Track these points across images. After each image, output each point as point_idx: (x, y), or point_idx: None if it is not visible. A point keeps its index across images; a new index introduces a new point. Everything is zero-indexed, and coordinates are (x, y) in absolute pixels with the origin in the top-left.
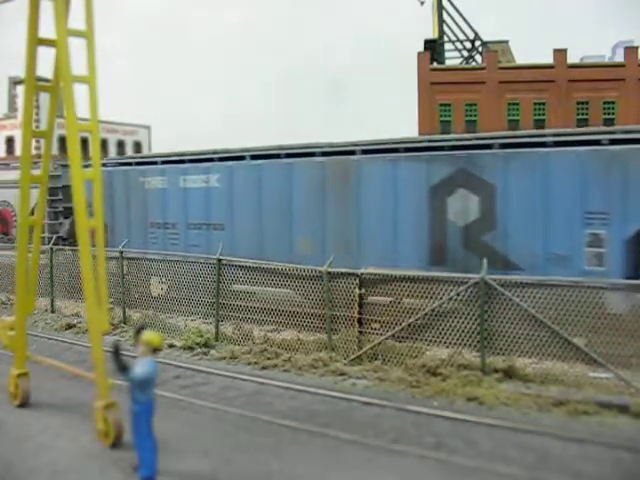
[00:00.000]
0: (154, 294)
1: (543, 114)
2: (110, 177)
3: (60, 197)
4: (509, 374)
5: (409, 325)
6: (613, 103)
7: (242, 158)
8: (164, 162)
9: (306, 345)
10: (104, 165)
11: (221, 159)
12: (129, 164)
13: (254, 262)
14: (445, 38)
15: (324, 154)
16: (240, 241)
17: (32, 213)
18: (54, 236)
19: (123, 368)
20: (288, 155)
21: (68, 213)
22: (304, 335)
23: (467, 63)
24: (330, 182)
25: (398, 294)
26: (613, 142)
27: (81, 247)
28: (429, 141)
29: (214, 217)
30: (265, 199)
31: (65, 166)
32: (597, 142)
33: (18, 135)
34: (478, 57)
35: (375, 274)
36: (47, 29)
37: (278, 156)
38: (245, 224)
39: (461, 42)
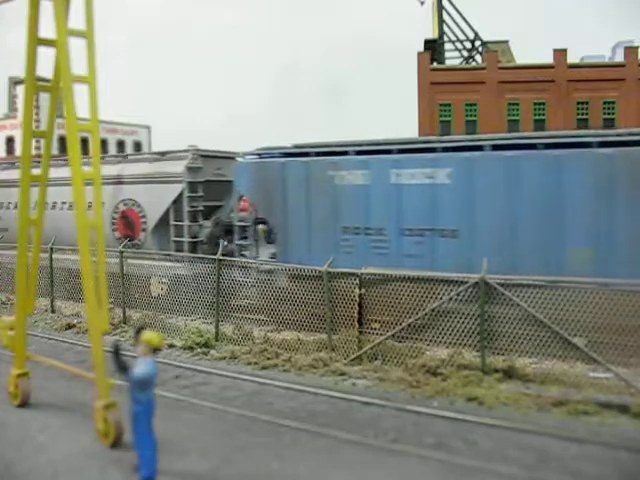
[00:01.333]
0: (154, 294)
1: (543, 114)
2: (283, 170)
3: (201, 194)
4: (509, 374)
5: (409, 325)
6: (613, 103)
7: (479, 148)
8: (360, 152)
9: (306, 345)
10: (270, 155)
11: (448, 149)
12: (305, 154)
13: (254, 262)
14: (445, 38)
15: (606, 144)
16: (480, 252)
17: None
18: (194, 240)
19: (123, 368)
20: (549, 146)
21: (209, 213)
22: (304, 335)
23: (467, 63)
24: (621, 179)
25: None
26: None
27: (81, 247)
28: None
29: (442, 221)
30: (521, 200)
31: (208, 157)
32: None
33: (18, 135)
34: (478, 57)
35: (375, 274)
36: (47, 29)
37: (534, 146)
38: (489, 231)
39: (461, 42)
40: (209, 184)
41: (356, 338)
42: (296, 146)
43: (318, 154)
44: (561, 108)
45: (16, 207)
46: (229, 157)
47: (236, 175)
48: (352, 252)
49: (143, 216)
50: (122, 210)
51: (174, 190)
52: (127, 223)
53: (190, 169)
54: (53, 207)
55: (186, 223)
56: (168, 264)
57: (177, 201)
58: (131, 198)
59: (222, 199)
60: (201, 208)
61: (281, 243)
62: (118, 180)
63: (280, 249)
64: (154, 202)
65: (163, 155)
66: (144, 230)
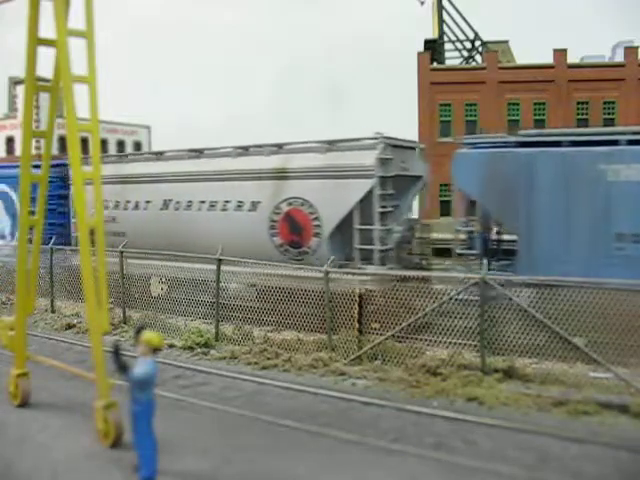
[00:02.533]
0: (154, 294)
1: (543, 114)
2: (530, 163)
3: (391, 192)
4: (509, 374)
5: (409, 325)
6: (613, 103)
7: None
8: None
9: (306, 345)
10: (504, 145)
11: None
12: (556, 143)
13: (254, 262)
14: (445, 38)
15: None
16: None
17: None
18: (386, 249)
19: (123, 368)
20: None
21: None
22: (304, 335)
23: (467, 63)
24: None
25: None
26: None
27: (81, 247)
28: None
29: None
30: None
31: (395, 147)
32: None
33: (18, 135)
34: (478, 57)
35: (375, 274)
36: (47, 29)
37: None
38: None
39: (461, 42)
40: (393, 180)
41: (356, 338)
42: (525, 135)
43: (576, 144)
44: (561, 108)
45: (136, 207)
46: (412, 147)
47: (458, 170)
48: (631, 264)
49: (316, 218)
50: (286, 211)
51: (362, 186)
52: (293, 227)
53: (382, 161)
54: (188, 207)
55: (377, 227)
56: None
57: (364, 200)
58: (299, 196)
59: (399, 198)
60: (390, 209)
61: (523, 251)
62: (279, 175)
63: (523, 258)
64: (333, 201)
65: (336, 144)
66: (317, 235)
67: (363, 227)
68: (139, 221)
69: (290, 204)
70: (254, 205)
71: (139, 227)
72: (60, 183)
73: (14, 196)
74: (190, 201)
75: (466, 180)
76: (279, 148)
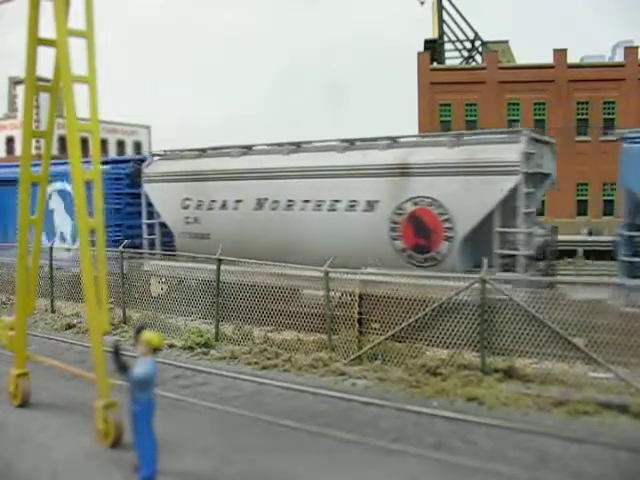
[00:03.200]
0: (154, 294)
1: (543, 114)
2: None
3: (533, 190)
4: (509, 374)
5: (409, 325)
6: (613, 103)
7: None
8: None
9: (306, 345)
10: None
11: None
12: None
13: (254, 262)
14: (445, 38)
15: None
16: None
17: None
18: (529, 255)
19: (123, 368)
20: None
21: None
22: (304, 335)
23: (467, 63)
24: None
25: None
26: None
27: (81, 247)
28: None
29: None
30: None
31: (537, 141)
32: None
33: (18, 135)
34: (478, 57)
35: (375, 274)
36: (47, 29)
37: None
38: None
39: (461, 42)
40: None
41: (356, 338)
42: None
43: None
44: (561, 108)
45: (223, 206)
46: (548, 142)
47: (628, 166)
48: None
49: (447, 220)
50: (411, 211)
51: (505, 184)
52: (419, 229)
53: (527, 156)
54: (289, 207)
55: (523, 229)
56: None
57: (507, 199)
58: (426, 195)
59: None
60: (532, 210)
61: None
62: (401, 171)
63: None
64: (469, 200)
65: (465, 137)
66: (449, 239)
67: (506, 230)
68: (227, 222)
69: (416, 204)
70: (371, 205)
71: (226, 229)
72: (128, 181)
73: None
74: (291, 200)
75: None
76: (393, 142)
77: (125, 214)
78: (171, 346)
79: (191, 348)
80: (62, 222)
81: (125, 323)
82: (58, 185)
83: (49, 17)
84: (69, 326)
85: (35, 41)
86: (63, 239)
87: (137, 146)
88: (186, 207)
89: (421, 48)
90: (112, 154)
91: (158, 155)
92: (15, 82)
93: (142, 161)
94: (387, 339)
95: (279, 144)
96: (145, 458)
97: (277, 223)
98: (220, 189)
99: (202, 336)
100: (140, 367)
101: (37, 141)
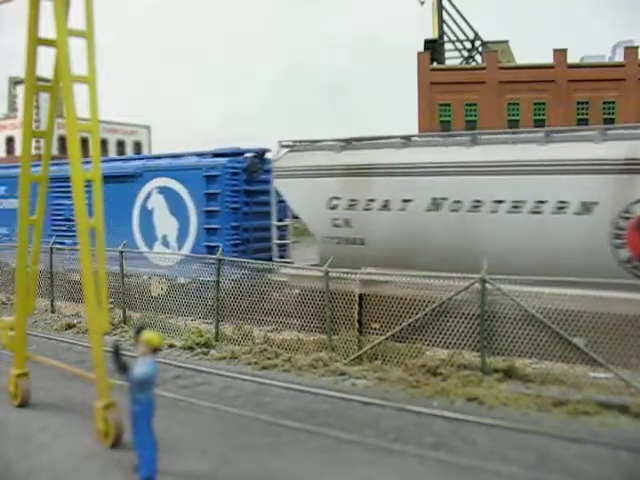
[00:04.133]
0: (154, 294)
1: (543, 114)
2: None
3: None
4: (509, 374)
5: (409, 325)
6: (613, 103)
7: None
8: None
9: (306, 345)
10: None
11: None
12: None
13: (254, 262)
14: (445, 38)
15: None
16: None
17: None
18: None
19: (123, 368)
20: None
21: None
22: (304, 335)
23: (467, 63)
24: None
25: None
26: None
27: (81, 247)
28: None
29: None
30: None
31: None
32: None
33: (18, 135)
34: (478, 57)
35: (374, 274)
36: (47, 29)
37: None
38: None
39: (461, 42)
40: None
41: (356, 338)
42: None
43: None
44: (561, 108)
45: (385, 207)
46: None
47: None
48: None
49: None
50: None
51: None
52: None
53: None
54: (475, 208)
55: None
56: None
57: None
58: None
59: None
60: None
61: None
62: (629, 167)
63: None
64: None
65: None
66: None
67: None
68: (388, 225)
69: None
70: (586, 207)
71: (387, 233)
72: (245, 176)
73: (185, 193)
74: (478, 201)
75: None
76: (603, 133)
77: (242, 215)
78: (171, 346)
79: (191, 348)
80: (165, 224)
81: (125, 323)
82: (158, 182)
83: (49, 17)
84: (69, 326)
85: (35, 41)
86: (166, 244)
87: (137, 146)
88: (334, 207)
89: (421, 48)
90: (112, 154)
91: (287, 146)
92: (15, 82)
93: (259, 154)
94: (387, 339)
95: (450, 134)
96: (145, 458)
97: (457, 227)
98: (381, 186)
99: (202, 336)
100: (140, 367)
101: (37, 141)
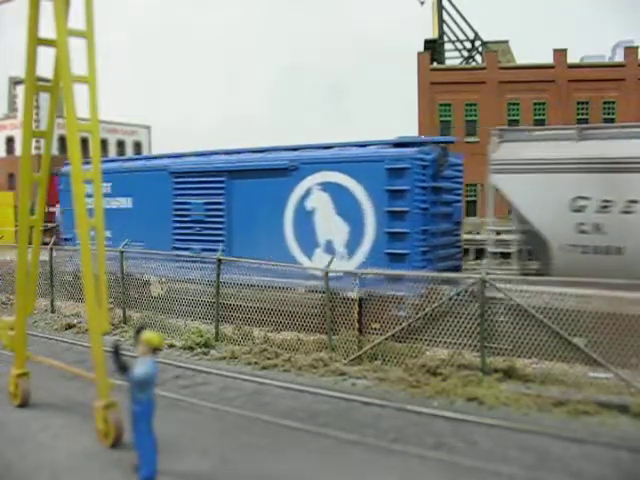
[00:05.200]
0: (154, 294)
1: (543, 114)
2: None
3: None
4: (509, 374)
5: (409, 325)
6: (613, 103)
7: None
8: None
9: (306, 345)
10: None
11: None
12: None
13: (254, 261)
14: (445, 38)
15: None
16: None
17: None
18: None
19: (123, 368)
20: None
21: None
22: (304, 335)
23: (467, 63)
24: None
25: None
26: None
27: (81, 247)
28: None
29: None
30: None
31: None
32: None
33: (18, 135)
34: (478, 57)
35: (374, 274)
36: (47, 29)
37: None
38: None
39: (461, 42)
40: None
41: (356, 338)
42: None
43: None
44: (561, 108)
45: None
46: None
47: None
48: None
49: None
50: None
51: None
52: None
53: None
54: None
55: None
56: None
57: None
58: None
59: None
60: None
61: None
62: None
63: None
64: None
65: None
66: None
67: None
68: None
69: None
70: None
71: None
72: (432, 170)
73: (358, 190)
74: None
75: None
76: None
77: (430, 216)
78: (171, 346)
79: (191, 348)
80: (330, 228)
81: (125, 323)
82: (321, 176)
83: (49, 17)
84: (69, 326)
85: (35, 41)
86: (331, 251)
87: (137, 146)
88: (579, 209)
89: (421, 48)
90: (112, 154)
91: (497, 135)
92: (15, 82)
93: (444, 144)
94: (387, 339)
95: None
96: (145, 458)
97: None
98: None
99: (202, 336)
100: (140, 367)
101: (37, 141)
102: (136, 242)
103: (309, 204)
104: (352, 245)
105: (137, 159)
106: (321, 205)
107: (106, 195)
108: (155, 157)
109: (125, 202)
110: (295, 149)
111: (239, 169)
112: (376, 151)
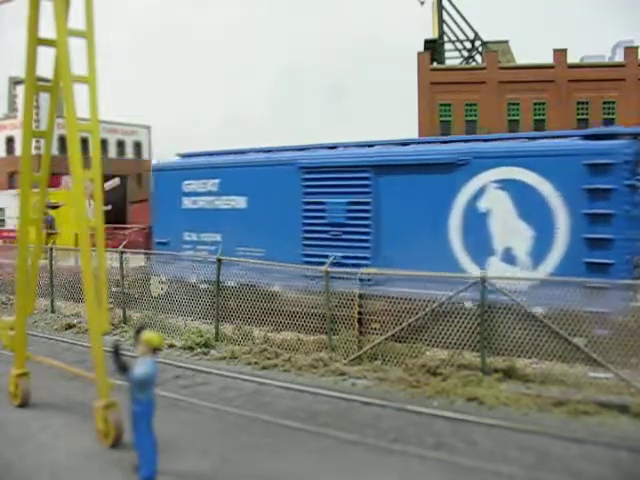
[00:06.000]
0: (154, 294)
1: (543, 114)
2: None
3: None
4: (509, 374)
5: (409, 325)
6: (613, 103)
7: None
8: None
9: (306, 345)
10: None
11: None
12: None
13: (255, 262)
14: (445, 38)
15: None
16: None
17: None
18: None
19: (123, 368)
20: None
21: None
22: (304, 335)
23: (467, 63)
24: None
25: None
26: None
27: (81, 247)
28: None
29: None
30: None
31: None
32: None
33: (18, 135)
34: (478, 57)
35: (374, 274)
36: (47, 29)
37: None
38: None
39: (461, 42)
40: None
41: (356, 338)
42: None
43: None
44: (561, 108)
45: None
46: None
47: None
48: None
49: None
50: None
51: None
52: None
53: None
54: None
55: None
56: None
57: None
58: None
59: None
60: None
61: None
62: None
63: None
64: None
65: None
66: None
67: None
68: None
69: None
70: None
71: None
72: (634, 167)
73: (547, 189)
74: None
75: None
76: None
77: (634, 220)
78: (171, 346)
79: (191, 348)
80: (510, 232)
81: (125, 323)
82: (498, 172)
83: (49, 17)
84: (69, 326)
85: (35, 41)
86: (510, 259)
87: (137, 146)
88: None
89: (421, 48)
90: (112, 154)
91: None
92: (15, 82)
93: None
94: (387, 339)
95: None
96: (145, 458)
97: None
98: None
99: (202, 336)
100: (140, 367)
101: (37, 141)
102: (250, 248)
103: (483, 205)
104: (537, 253)
105: (254, 151)
106: (498, 206)
107: (213, 193)
108: (279, 149)
109: (238, 202)
110: (462, 140)
111: (389, 163)
112: (570, 144)
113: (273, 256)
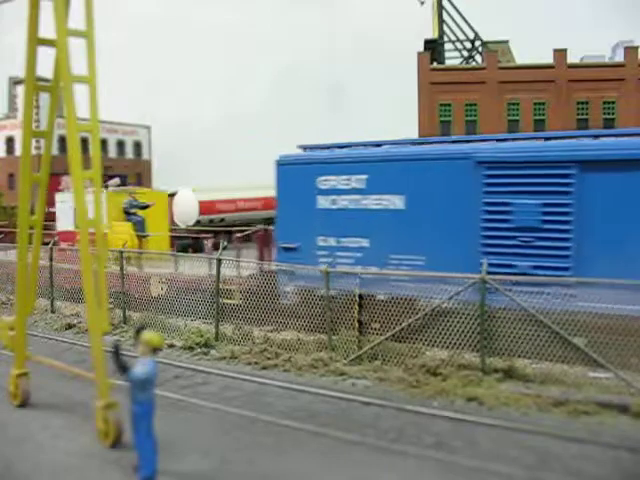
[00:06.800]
0: (154, 294)
1: (543, 114)
2: None
3: None
4: (509, 374)
5: (409, 325)
6: (613, 103)
7: None
8: None
9: (306, 345)
10: None
11: None
12: None
13: (255, 262)
14: (445, 38)
15: None
16: None
17: None
18: None
19: (123, 368)
20: None
21: None
22: (304, 335)
23: (467, 63)
24: None
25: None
26: None
27: (81, 247)
28: None
29: None
30: None
31: None
32: None
33: (18, 135)
34: (478, 57)
35: (374, 274)
36: (47, 29)
37: None
38: None
39: (461, 42)
40: None
41: (356, 338)
42: None
43: None
44: (561, 108)
45: None
46: None
47: None
48: None
49: None
50: None
51: None
52: None
53: None
54: None
55: None
56: None
57: None
58: None
59: None
60: None
61: None
62: None
63: None
64: None
65: None
66: None
67: None
68: None
69: None
70: None
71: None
72: None
73: None
74: None
75: None
76: None
77: None
78: (171, 346)
79: (191, 348)
80: None
81: (125, 323)
82: None
83: (49, 17)
84: (69, 326)
85: (35, 41)
86: None
87: (137, 146)
88: None
89: (421, 48)
90: (112, 154)
91: None
92: (15, 82)
93: None
94: (387, 339)
95: None
96: (145, 458)
97: None
98: None
99: (202, 336)
100: (140, 367)
101: (37, 141)
102: (408, 255)
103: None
104: None
105: (415, 142)
106: None
107: (357, 191)
108: (448, 141)
109: (393, 201)
110: None
111: (601, 159)
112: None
113: (436, 265)
